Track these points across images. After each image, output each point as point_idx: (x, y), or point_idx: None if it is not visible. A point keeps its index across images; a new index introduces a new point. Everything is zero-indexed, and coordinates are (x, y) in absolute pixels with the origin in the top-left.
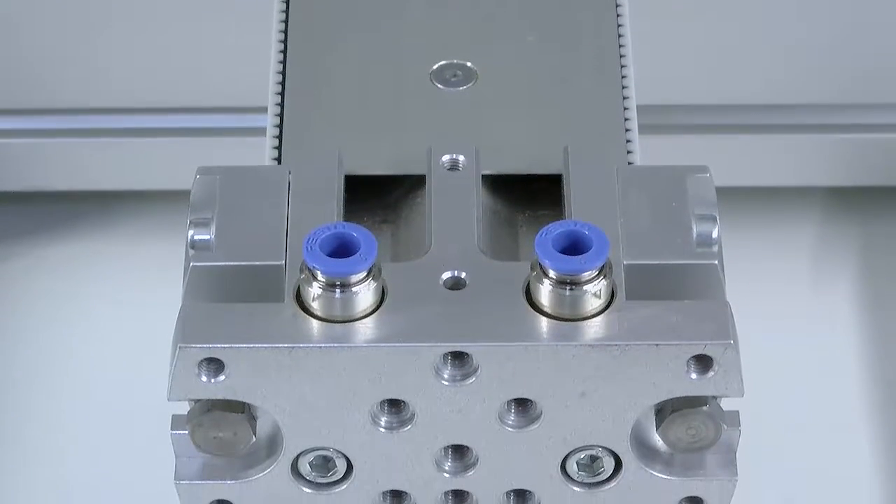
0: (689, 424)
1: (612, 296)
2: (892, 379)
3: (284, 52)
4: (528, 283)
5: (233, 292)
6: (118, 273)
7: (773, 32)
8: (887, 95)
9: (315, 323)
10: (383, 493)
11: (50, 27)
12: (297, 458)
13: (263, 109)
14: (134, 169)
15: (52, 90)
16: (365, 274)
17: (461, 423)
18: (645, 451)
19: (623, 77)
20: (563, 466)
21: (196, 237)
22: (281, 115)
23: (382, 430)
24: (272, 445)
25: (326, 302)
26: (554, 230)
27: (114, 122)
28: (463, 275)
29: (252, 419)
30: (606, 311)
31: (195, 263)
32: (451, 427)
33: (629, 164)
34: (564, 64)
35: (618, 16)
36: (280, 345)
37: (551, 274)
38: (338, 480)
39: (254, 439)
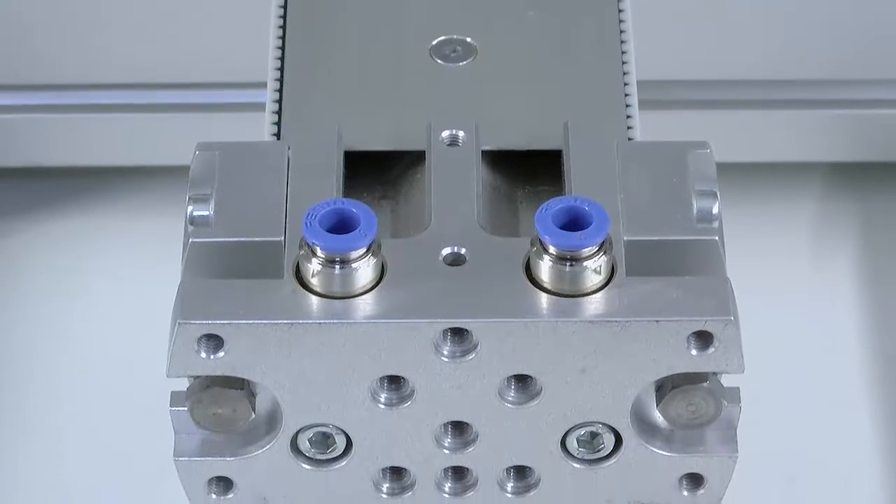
0: (690, 401)
1: (612, 272)
2: (892, 354)
3: (284, 27)
4: (528, 259)
5: (232, 268)
6: (118, 248)
7: (773, 7)
8: (888, 71)
9: (314, 299)
10: (383, 469)
11: (50, 2)
12: (296, 434)
13: (263, 85)
14: (134, 144)
15: (53, 66)
16: (364, 250)
17: (461, 399)
18: (645, 427)
19: (623, 52)
20: (563, 443)
21: (195, 213)
22: (280, 91)
23: (382, 406)
24: (271, 422)
25: (326, 278)
26: (554, 206)
27: (114, 97)
28: (463, 251)
29: (251, 395)
30: (606, 287)
31: (194, 239)
32: (451, 403)
33: (629, 139)
34: (564, 39)
35: None
36: (279, 321)
37: (551, 250)
38: (337, 457)
39: (253, 416)
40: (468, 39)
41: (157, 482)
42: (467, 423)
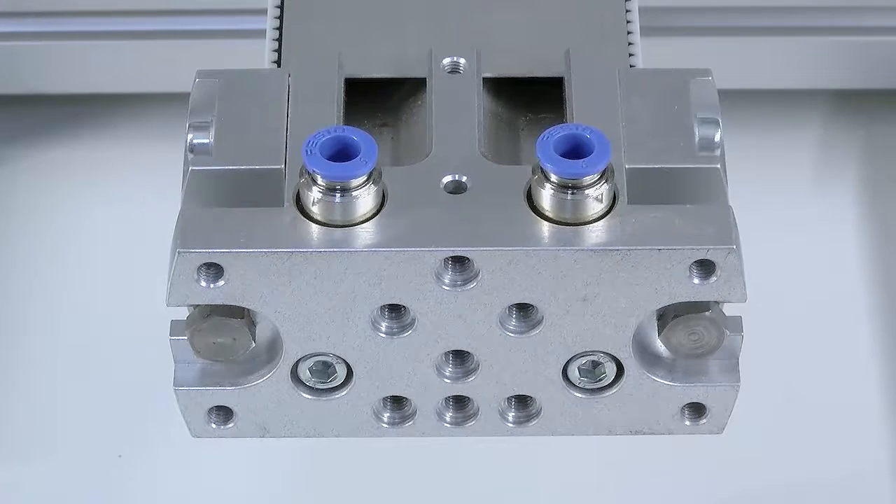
0: (692, 329)
1: (613, 200)
2: (892, 280)
3: None
4: (530, 187)
5: (232, 196)
6: (118, 176)
7: None
8: None
9: (315, 227)
10: (384, 399)
11: None
12: (296, 363)
13: (263, 11)
14: (134, 71)
15: None
16: (365, 178)
17: (462, 328)
18: (647, 356)
19: None
20: (564, 372)
21: (195, 141)
22: (280, 18)
23: (383, 335)
24: (272, 351)
25: (326, 206)
26: (555, 133)
27: (114, 24)
28: (464, 178)
29: (251, 325)
30: (608, 216)
31: (194, 167)
32: (452, 332)
33: (631, 66)
34: None
35: None
36: (280, 249)
37: (553, 178)
38: (338, 386)
39: (253, 345)
40: None
41: (156, 411)
42: (468, 353)
